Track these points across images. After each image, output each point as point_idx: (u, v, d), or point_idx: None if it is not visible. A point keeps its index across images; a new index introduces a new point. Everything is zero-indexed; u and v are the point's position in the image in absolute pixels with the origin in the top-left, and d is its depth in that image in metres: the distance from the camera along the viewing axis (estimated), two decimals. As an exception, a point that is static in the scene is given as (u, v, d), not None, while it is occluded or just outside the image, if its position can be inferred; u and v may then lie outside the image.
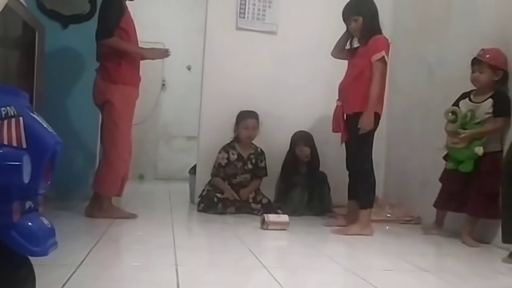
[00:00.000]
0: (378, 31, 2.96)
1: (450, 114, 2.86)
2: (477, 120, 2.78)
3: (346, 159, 3.11)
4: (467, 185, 2.76)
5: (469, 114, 2.79)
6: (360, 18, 2.94)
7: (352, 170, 3.05)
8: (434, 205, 3.02)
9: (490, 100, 2.73)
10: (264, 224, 2.79)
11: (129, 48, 3.01)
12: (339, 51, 3.15)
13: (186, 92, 3.89)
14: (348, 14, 2.99)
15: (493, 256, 2.51)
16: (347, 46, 3.13)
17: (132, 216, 3.02)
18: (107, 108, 3.04)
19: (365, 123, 2.84)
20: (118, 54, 2.96)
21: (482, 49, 2.77)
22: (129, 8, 3.08)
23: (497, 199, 2.64)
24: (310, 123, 3.86)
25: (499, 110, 2.70)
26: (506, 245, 2.57)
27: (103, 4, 3.01)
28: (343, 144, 3.11)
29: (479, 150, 2.68)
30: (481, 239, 2.76)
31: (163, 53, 3.15)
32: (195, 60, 4.85)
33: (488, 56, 2.73)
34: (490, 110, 2.72)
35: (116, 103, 3.00)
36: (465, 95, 2.89)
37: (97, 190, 3.02)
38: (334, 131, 3.12)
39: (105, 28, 2.92)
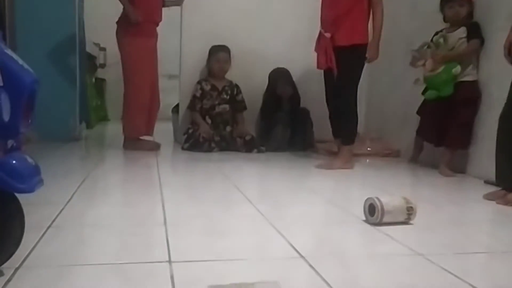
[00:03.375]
0: None
1: (426, 47, 2.89)
2: (451, 47, 2.85)
3: (328, 94, 3.09)
4: (445, 117, 2.84)
5: (441, 40, 2.86)
6: None
7: (337, 106, 3.01)
8: (417, 132, 3.13)
9: (463, 27, 2.82)
10: (374, 216, 1.64)
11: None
12: None
13: (165, 29, 3.78)
14: None
15: (468, 185, 2.62)
16: None
17: (157, 146, 3.43)
18: (121, 61, 3.29)
19: (374, 54, 2.85)
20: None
21: None
22: None
23: (471, 130, 2.79)
24: (292, 59, 3.82)
25: (472, 34, 2.79)
26: (481, 174, 2.69)
27: None
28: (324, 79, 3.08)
29: (457, 70, 2.75)
30: (457, 169, 2.87)
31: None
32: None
33: None
34: (464, 35, 2.81)
35: (126, 56, 3.24)
36: (437, 32, 2.97)
37: (124, 133, 3.37)
38: (321, 67, 2.98)
39: None
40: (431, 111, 2.98)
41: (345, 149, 2.98)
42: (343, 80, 2.91)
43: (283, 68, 3.76)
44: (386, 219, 1.63)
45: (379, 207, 1.62)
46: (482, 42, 2.79)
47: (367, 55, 2.86)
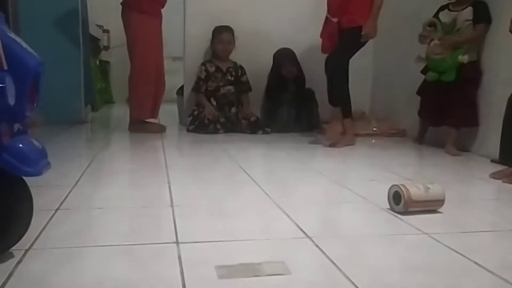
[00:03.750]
0: None
1: (428, 26, 2.88)
2: (457, 28, 2.82)
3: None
4: (448, 96, 2.83)
5: (453, 23, 2.82)
6: None
7: (329, 73, 3.07)
8: (419, 114, 3.13)
9: (470, 8, 2.77)
10: (400, 204, 1.52)
11: None
12: None
13: (169, 11, 3.74)
14: None
15: (474, 163, 2.61)
16: None
17: (162, 128, 3.42)
18: (127, 39, 3.27)
19: (371, 31, 2.87)
20: None
21: None
22: None
23: (477, 108, 2.78)
24: (297, 39, 3.78)
25: (479, 17, 2.75)
26: (487, 153, 2.68)
27: None
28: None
29: (463, 58, 2.72)
30: (464, 147, 2.86)
31: None
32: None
33: None
34: (470, 17, 2.76)
35: (132, 33, 3.21)
36: (443, 7, 2.93)
37: (130, 115, 3.38)
38: (326, 52, 3.06)
39: None
40: (431, 92, 2.98)
41: (347, 123, 3.05)
42: (339, 51, 2.97)
43: (287, 49, 3.73)
44: (412, 207, 1.51)
45: (405, 195, 1.50)
46: (489, 22, 2.74)
47: (363, 31, 2.86)
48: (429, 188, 1.55)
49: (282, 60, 3.69)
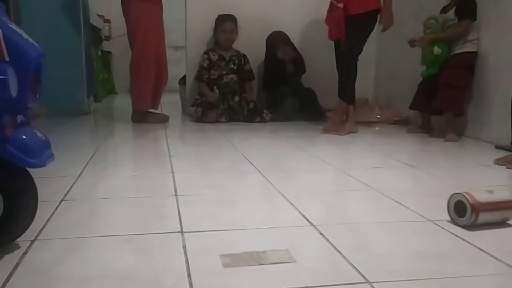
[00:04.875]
0: None
1: (433, 21, 2.93)
2: (445, 28, 2.87)
3: (338, 62, 3.11)
4: (437, 83, 2.88)
5: (443, 23, 2.89)
6: None
7: (341, 65, 3.05)
8: (410, 107, 3.17)
9: (455, 7, 2.82)
10: (465, 216, 1.29)
11: None
12: None
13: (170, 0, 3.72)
14: None
15: (479, 150, 2.61)
16: None
17: (165, 118, 3.41)
18: (126, 26, 3.23)
19: (388, 20, 2.86)
20: None
21: None
22: None
23: (463, 94, 2.82)
24: (299, 27, 3.76)
25: (461, 14, 2.78)
26: (492, 139, 2.67)
27: None
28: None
29: (437, 51, 2.78)
30: (469, 134, 2.86)
31: None
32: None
33: None
34: (454, 17, 2.81)
35: (131, 20, 3.18)
36: (442, 9, 2.97)
37: (133, 105, 3.35)
38: (333, 38, 3.03)
39: None
40: (427, 81, 3.00)
41: (351, 110, 3.06)
42: (352, 44, 2.93)
43: (279, 31, 3.68)
44: (481, 220, 1.29)
45: (472, 204, 1.28)
46: (473, 20, 2.77)
47: (381, 23, 2.88)
48: (496, 193, 1.36)
49: (275, 43, 3.64)
